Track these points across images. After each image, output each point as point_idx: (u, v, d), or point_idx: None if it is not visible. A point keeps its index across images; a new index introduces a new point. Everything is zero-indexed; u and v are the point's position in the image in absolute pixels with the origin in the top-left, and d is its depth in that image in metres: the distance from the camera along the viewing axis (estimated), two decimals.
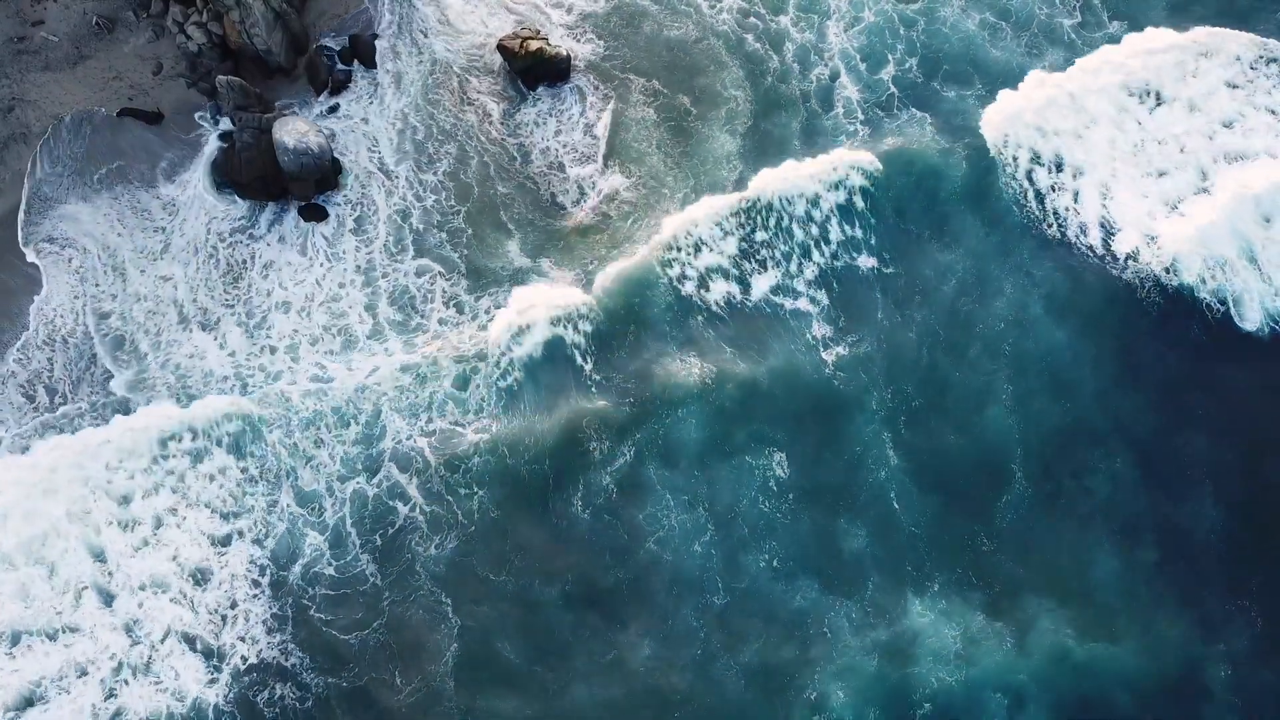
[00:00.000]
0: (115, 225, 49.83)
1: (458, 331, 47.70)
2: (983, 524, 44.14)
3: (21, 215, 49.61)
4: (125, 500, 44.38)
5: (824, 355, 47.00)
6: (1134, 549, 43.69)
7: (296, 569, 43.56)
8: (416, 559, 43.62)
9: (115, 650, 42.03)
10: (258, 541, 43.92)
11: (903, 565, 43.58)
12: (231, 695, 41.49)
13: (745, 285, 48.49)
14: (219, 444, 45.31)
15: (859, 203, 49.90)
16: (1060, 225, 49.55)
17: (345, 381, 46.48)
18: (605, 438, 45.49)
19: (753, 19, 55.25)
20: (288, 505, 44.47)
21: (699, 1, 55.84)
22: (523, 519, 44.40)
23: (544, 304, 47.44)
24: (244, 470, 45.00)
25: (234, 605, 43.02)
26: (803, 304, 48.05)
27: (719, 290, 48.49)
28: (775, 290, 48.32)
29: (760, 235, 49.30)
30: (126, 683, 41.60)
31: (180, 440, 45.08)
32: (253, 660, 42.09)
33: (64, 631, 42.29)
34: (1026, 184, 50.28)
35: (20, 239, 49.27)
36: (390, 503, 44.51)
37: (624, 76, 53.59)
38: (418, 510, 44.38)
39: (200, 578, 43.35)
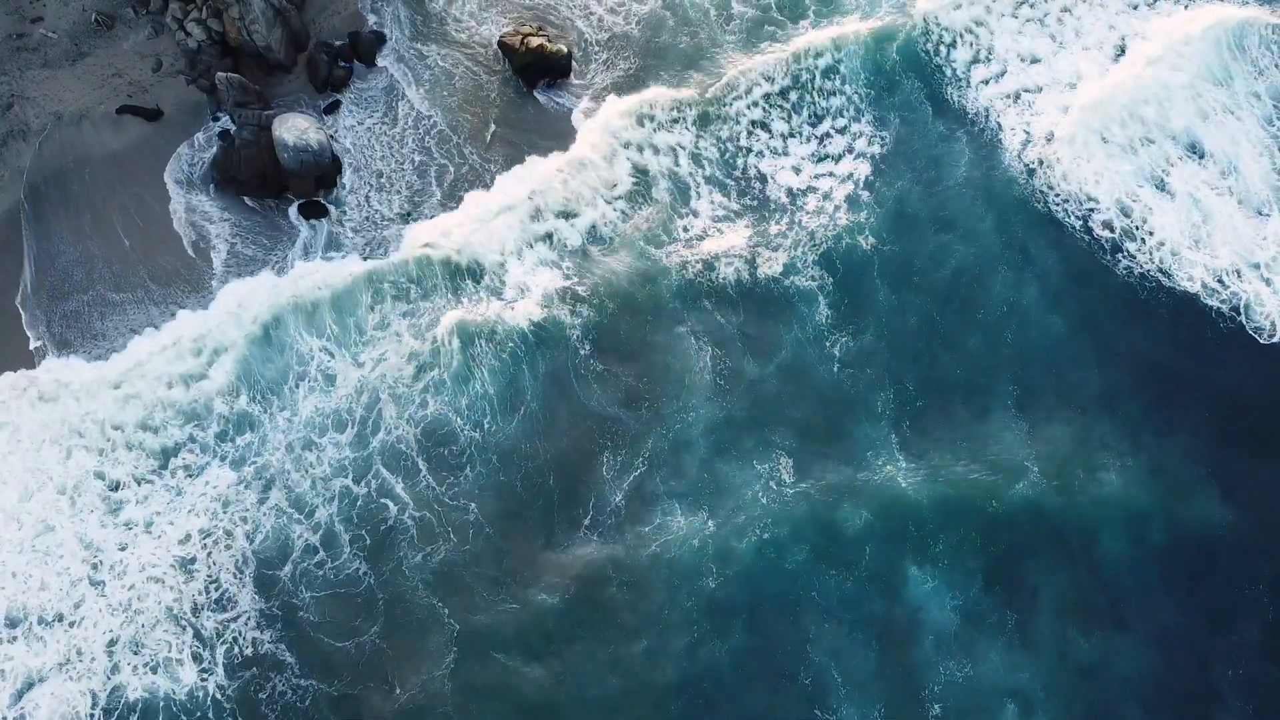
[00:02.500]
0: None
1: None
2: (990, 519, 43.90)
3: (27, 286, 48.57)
4: (117, 491, 44.52)
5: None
6: (1142, 542, 43.40)
7: (287, 568, 43.43)
8: (407, 562, 43.32)
9: (110, 639, 42.25)
10: (250, 539, 43.73)
11: (906, 553, 43.32)
12: (231, 692, 41.46)
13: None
14: (219, 458, 45.33)
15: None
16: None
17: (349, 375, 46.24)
18: (606, 436, 45.31)
19: (768, 26, 54.12)
20: (282, 504, 44.30)
21: (712, 11, 54.63)
22: (521, 520, 44.12)
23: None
24: (240, 474, 44.87)
25: (226, 602, 42.95)
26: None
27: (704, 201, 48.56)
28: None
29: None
30: (119, 670, 41.78)
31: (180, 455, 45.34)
32: (250, 654, 42.02)
33: (59, 620, 42.52)
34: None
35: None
36: (381, 500, 44.30)
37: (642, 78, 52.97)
38: (407, 515, 44.05)
39: (192, 572, 43.27)
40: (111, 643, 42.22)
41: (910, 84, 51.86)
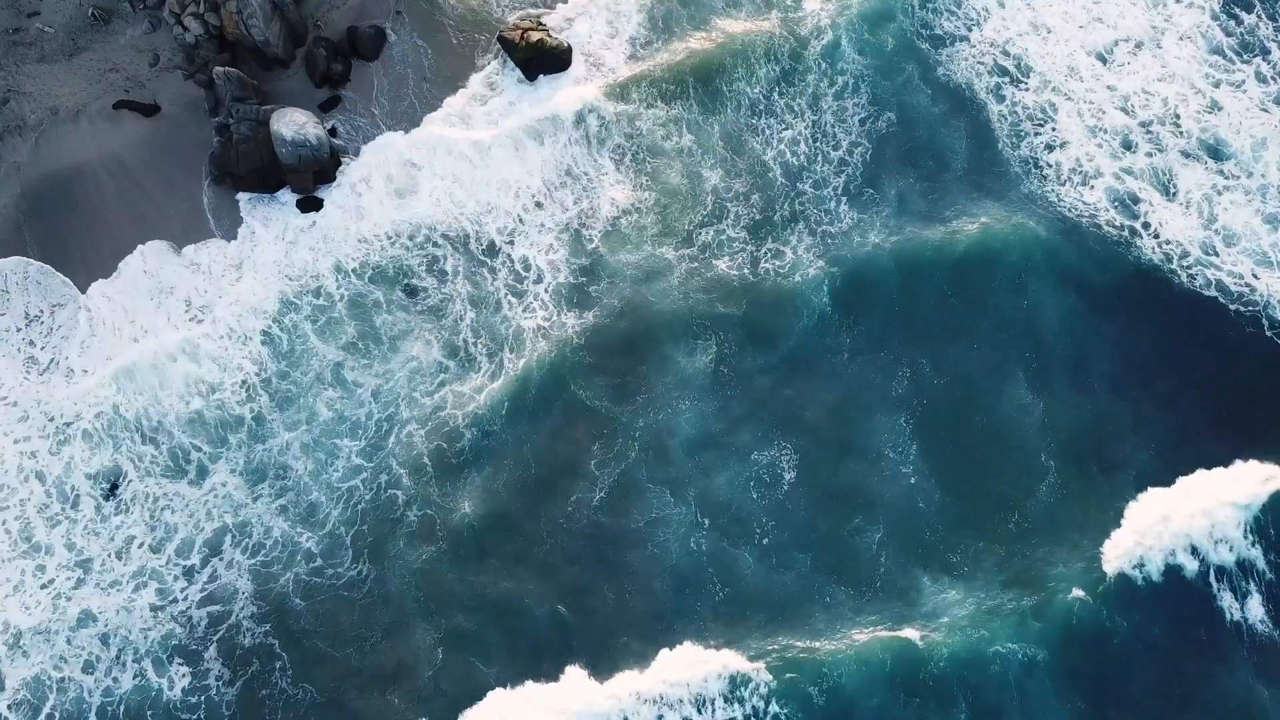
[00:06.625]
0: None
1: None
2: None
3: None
4: (112, 491, 44.52)
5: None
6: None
7: (288, 570, 43.35)
8: (405, 563, 43.33)
9: (106, 639, 42.34)
10: (248, 539, 43.66)
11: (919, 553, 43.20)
12: (229, 694, 41.53)
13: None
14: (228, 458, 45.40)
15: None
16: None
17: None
18: (602, 434, 45.21)
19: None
20: (281, 505, 44.25)
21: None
22: (520, 523, 44.05)
23: None
24: (236, 468, 44.89)
25: (224, 601, 42.86)
26: None
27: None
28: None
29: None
30: (114, 671, 41.86)
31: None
32: (243, 653, 42.04)
33: (50, 618, 42.64)
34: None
35: None
36: (388, 496, 44.27)
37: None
38: (413, 515, 43.99)
39: (190, 573, 43.27)
40: (107, 642, 42.16)
41: None
